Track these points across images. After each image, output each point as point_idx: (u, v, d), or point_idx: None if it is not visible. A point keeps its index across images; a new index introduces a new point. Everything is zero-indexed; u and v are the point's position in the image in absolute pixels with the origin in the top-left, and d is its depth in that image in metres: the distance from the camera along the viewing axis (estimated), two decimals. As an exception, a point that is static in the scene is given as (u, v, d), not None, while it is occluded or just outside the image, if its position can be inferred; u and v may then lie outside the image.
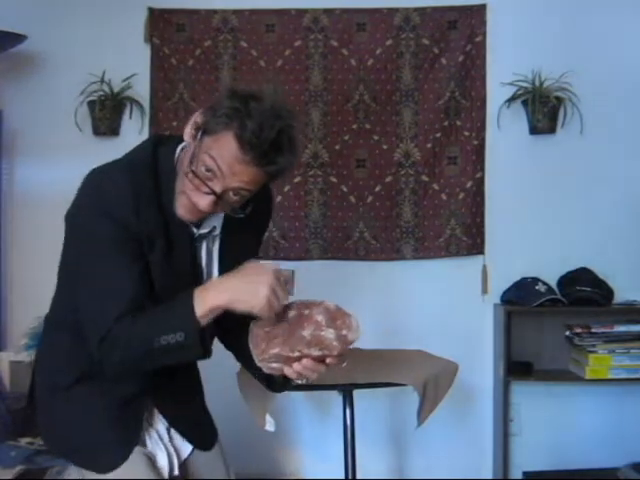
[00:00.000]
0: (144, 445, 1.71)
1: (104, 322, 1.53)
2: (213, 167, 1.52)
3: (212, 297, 1.51)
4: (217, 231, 1.71)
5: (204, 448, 1.83)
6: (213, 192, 1.54)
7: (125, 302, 1.54)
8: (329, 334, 1.53)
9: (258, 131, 1.49)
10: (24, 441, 2.71)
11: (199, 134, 1.56)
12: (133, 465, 1.66)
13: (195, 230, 1.67)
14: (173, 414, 1.78)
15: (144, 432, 1.73)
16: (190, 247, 1.68)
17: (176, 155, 1.65)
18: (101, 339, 1.53)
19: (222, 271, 1.72)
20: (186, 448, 1.80)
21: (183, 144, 1.65)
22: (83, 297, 1.59)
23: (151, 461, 1.70)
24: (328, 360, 1.55)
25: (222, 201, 1.57)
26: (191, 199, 1.56)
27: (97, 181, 1.61)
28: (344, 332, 1.53)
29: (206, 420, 1.89)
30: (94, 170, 1.63)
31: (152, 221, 1.59)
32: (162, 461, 1.73)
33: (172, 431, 1.78)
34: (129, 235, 1.56)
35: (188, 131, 1.60)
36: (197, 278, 1.70)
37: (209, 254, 1.73)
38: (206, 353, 1.56)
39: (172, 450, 1.77)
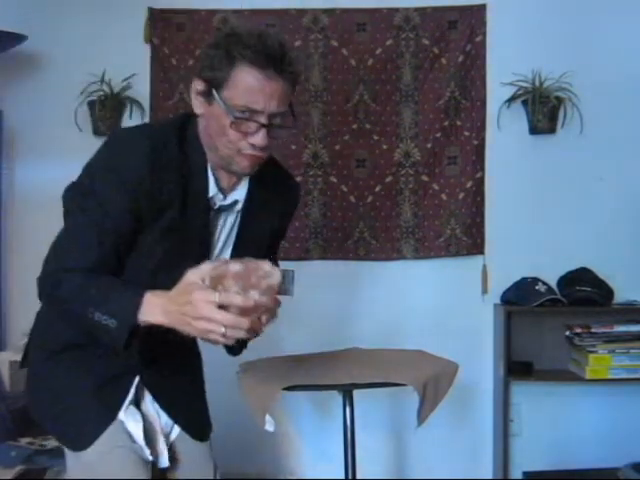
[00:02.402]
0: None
1: (59, 263, 1.56)
2: (247, 103, 1.54)
3: (155, 314, 1.47)
4: (239, 205, 1.73)
5: (199, 438, 1.84)
6: (262, 125, 1.56)
7: (86, 261, 1.56)
8: (255, 296, 1.43)
9: (261, 45, 1.52)
10: (24, 441, 2.72)
11: (213, 94, 1.56)
12: (121, 462, 1.65)
13: (219, 201, 1.69)
14: (170, 400, 1.80)
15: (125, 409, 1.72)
16: (205, 218, 1.69)
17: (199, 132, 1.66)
18: (48, 275, 1.56)
19: (238, 246, 1.75)
20: (173, 434, 1.80)
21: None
22: (57, 238, 1.60)
23: (137, 457, 1.68)
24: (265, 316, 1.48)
25: (272, 130, 1.58)
26: (247, 146, 1.58)
27: (115, 142, 1.63)
28: (264, 284, 1.44)
29: (204, 410, 1.91)
30: (116, 131, 1.64)
31: (168, 188, 1.59)
32: (133, 428, 1.71)
33: (162, 421, 1.79)
34: (131, 203, 1.57)
35: (196, 103, 1.61)
36: (207, 249, 1.71)
37: (228, 227, 1.75)
38: (127, 348, 1.51)
39: (162, 437, 1.77)
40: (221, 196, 1.69)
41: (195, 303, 1.40)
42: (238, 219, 1.75)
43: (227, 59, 1.53)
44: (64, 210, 1.64)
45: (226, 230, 1.75)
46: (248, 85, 1.53)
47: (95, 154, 1.63)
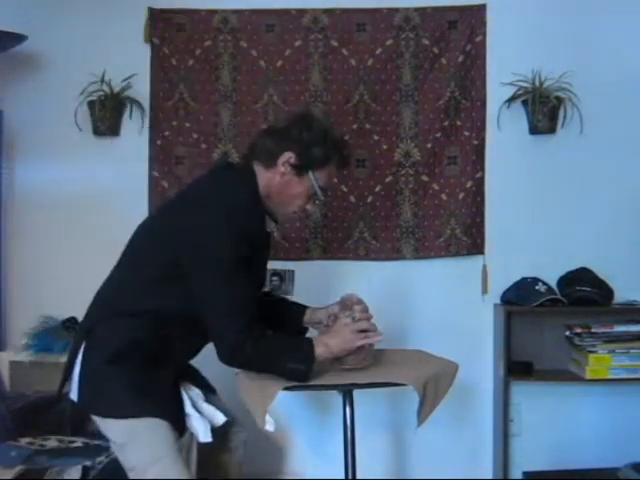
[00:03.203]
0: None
1: (240, 324, 2.07)
2: (325, 185, 2.27)
3: (320, 351, 2.17)
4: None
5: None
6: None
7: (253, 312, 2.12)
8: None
9: (348, 156, 2.38)
10: (24, 441, 2.72)
11: (309, 174, 2.20)
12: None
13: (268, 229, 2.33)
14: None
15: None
16: (267, 243, 2.35)
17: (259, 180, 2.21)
18: (244, 339, 2.06)
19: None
20: (219, 418, 2.25)
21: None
22: (220, 301, 2.07)
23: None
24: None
25: None
26: (302, 209, 2.30)
27: (239, 215, 2.09)
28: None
29: None
30: (236, 206, 2.09)
31: (260, 229, 2.21)
32: (197, 424, 2.16)
33: (205, 405, 2.23)
34: (249, 252, 2.09)
35: (282, 169, 2.19)
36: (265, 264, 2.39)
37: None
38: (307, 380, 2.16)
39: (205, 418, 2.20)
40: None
41: (351, 334, 2.25)
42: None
43: (326, 156, 2.20)
44: (214, 277, 2.07)
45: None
46: (331, 176, 2.30)
47: (213, 228, 2.06)
